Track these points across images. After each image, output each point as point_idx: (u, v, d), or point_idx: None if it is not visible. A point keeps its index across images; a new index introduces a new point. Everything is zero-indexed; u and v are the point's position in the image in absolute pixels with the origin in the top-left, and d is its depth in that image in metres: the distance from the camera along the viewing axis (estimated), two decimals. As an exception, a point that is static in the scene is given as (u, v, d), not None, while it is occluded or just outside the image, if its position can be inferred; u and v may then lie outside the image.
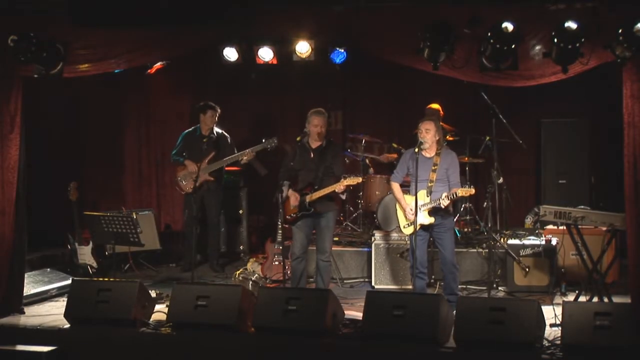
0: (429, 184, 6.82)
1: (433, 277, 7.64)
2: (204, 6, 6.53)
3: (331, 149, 7.27)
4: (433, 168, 6.85)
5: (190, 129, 8.73)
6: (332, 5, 6.57)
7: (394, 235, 8.11)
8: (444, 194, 6.65)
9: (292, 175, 7.28)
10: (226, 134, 8.69)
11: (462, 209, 8.47)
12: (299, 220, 7.17)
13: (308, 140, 7.22)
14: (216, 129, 8.64)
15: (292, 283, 7.21)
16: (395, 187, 7.12)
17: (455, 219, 7.88)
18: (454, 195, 6.69)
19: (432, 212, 6.81)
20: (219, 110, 8.61)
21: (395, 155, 8.96)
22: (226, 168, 8.77)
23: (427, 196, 6.80)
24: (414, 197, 6.68)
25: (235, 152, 8.48)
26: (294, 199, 7.14)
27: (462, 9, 6.26)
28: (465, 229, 8.43)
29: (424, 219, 6.80)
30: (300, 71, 8.11)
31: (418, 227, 6.75)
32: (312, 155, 7.24)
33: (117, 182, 10.22)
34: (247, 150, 8.23)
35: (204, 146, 8.19)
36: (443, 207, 6.72)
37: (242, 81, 9.15)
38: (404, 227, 7.08)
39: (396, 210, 7.21)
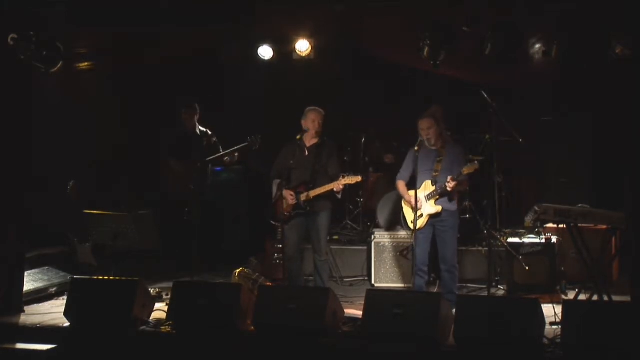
0: (434, 174, 6.81)
1: (433, 275, 7.64)
2: (205, 6, 6.54)
3: (327, 148, 7.23)
4: (438, 159, 6.84)
5: (175, 129, 8.73)
6: (332, 5, 6.57)
7: (394, 233, 8.11)
8: (449, 177, 6.62)
9: (285, 173, 7.24)
10: (210, 132, 8.66)
11: (462, 207, 8.47)
12: (292, 220, 7.14)
13: (303, 137, 7.19)
14: (200, 128, 8.63)
15: (289, 283, 7.20)
16: (401, 184, 7.08)
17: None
18: (460, 175, 6.66)
19: (439, 200, 6.80)
20: (198, 109, 8.61)
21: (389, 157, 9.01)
22: (226, 167, 8.76)
23: (433, 185, 6.79)
24: (418, 191, 6.69)
25: (221, 151, 8.43)
26: (290, 198, 7.11)
27: (462, 8, 6.26)
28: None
29: (431, 208, 6.79)
30: (300, 70, 8.12)
31: (426, 219, 6.75)
32: (306, 154, 7.21)
33: (117, 180, 10.19)
34: (229, 151, 7.99)
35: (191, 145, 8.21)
36: (450, 189, 6.67)
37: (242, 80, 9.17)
38: (411, 222, 7.01)
39: (402, 208, 7.19)
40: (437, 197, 6.76)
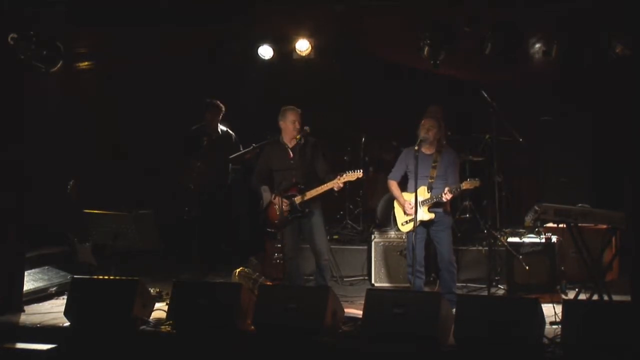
0: (430, 180, 6.83)
1: (433, 275, 7.65)
2: (205, 6, 6.54)
3: (309, 146, 7.11)
4: (433, 165, 6.85)
5: (195, 127, 8.74)
6: (332, 5, 6.57)
7: (394, 233, 8.11)
8: (447, 188, 6.65)
9: (267, 177, 7.19)
10: (231, 132, 8.69)
11: (462, 206, 8.47)
12: (288, 224, 7.11)
13: (283, 139, 7.12)
14: (221, 127, 8.66)
15: (289, 282, 7.20)
16: (393, 184, 7.11)
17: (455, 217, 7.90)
18: (457, 190, 6.68)
19: (432, 208, 6.82)
20: (222, 108, 8.62)
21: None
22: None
23: (428, 192, 6.80)
24: (414, 194, 6.68)
25: (241, 149, 8.44)
26: (285, 206, 7.01)
27: (462, 8, 6.27)
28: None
29: (424, 214, 6.81)
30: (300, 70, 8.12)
31: (418, 224, 6.75)
32: (291, 155, 7.11)
33: (118, 180, 10.18)
34: (250, 149, 8.15)
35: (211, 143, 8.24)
36: (445, 200, 6.70)
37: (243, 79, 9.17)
38: (401, 224, 7.07)
39: (394, 208, 7.21)
40: (431, 205, 6.80)
